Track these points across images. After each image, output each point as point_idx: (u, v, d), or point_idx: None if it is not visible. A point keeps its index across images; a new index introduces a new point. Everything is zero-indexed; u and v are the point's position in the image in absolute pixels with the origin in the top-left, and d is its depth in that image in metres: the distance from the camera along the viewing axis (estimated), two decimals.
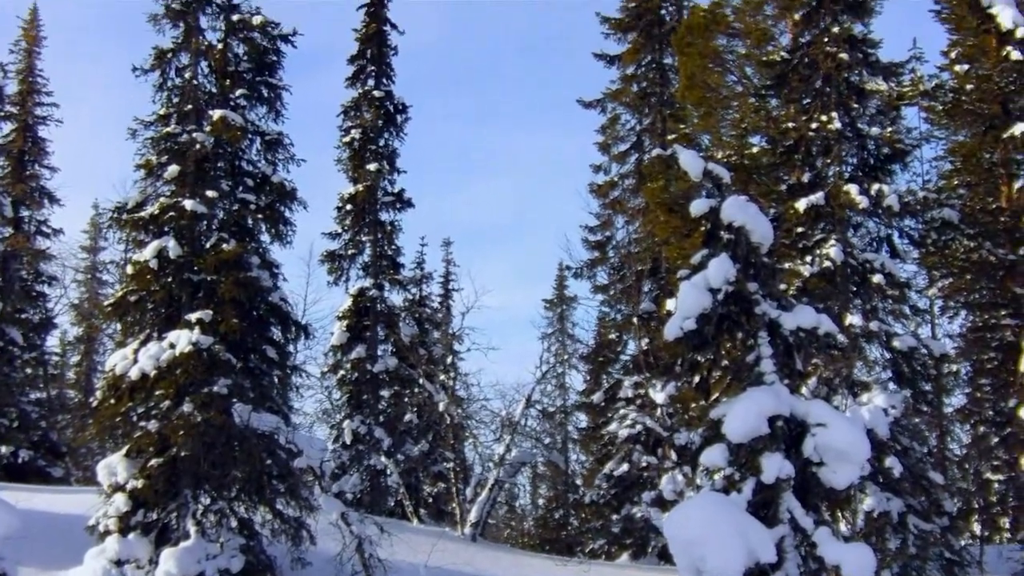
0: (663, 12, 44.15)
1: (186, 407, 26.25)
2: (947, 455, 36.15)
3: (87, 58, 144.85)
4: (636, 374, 40.32)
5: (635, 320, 41.12)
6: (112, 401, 27.78)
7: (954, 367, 35.16)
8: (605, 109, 44.53)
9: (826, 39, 30.03)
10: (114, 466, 27.31)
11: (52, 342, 59.59)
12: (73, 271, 67.21)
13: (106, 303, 31.06)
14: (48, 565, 27.11)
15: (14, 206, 49.30)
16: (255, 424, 26.49)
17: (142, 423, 27.61)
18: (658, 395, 38.00)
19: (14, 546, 21.53)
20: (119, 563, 26.37)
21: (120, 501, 26.70)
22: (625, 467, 38.84)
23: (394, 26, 46.90)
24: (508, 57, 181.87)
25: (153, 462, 26.75)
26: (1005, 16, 30.37)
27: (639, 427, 38.76)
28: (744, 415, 18.13)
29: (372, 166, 44.74)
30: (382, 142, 45.73)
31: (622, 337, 43.64)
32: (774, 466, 17.86)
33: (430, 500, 47.53)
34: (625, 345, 43.52)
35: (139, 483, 26.56)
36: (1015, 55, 30.50)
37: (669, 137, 38.90)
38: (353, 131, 45.81)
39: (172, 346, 26.74)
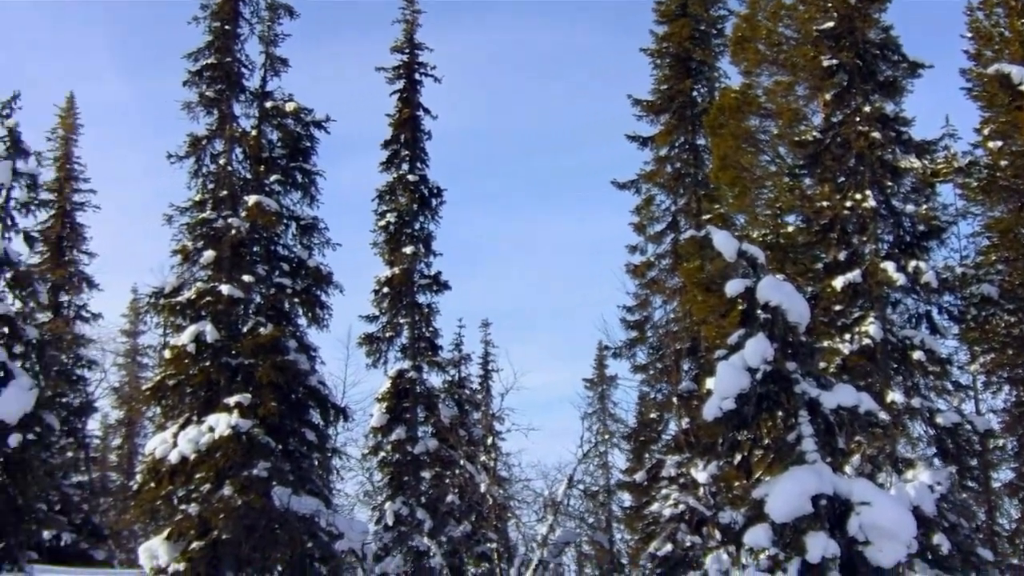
0: (695, 94, 44.37)
1: (226, 490, 26.31)
2: (996, 531, 35.70)
3: (124, 144, 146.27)
4: (678, 453, 40.04)
5: (675, 399, 40.91)
6: (152, 484, 27.94)
7: (1000, 442, 34.82)
8: (640, 190, 44.55)
9: (858, 118, 30.11)
10: (156, 549, 27.41)
11: (93, 426, 59.72)
12: (113, 355, 67.45)
13: (145, 387, 31.29)
14: None
15: (54, 291, 49.58)
16: (295, 507, 26.50)
17: (183, 506, 27.71)
18: (700, 474, 37.68)
19: None
20: None
21: None
22: (670, 547, 38.51)
23: (427, 111, 47.11)
24: (546, 140, 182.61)
25: (194, 545, 26.82)
26: None
27: (682, 507, 38.44)
28: (787, 495, 18.06)
29: (408, 249, 44.80)
30: (417, 225, 45.81)
31: (663, 416, 43.38)
32: (819, 545, 17.74)
33: None
34: (666, 424, 43.24)
35: (181, 566, 26.64)
36: None
37: (704, 217, 38.97)
38: (388, 215, 45.88)
39: (211, 430, 26.85)
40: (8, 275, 23.94)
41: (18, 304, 24.50)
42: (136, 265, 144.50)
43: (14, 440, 21.70)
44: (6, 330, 23.31)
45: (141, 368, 69.87)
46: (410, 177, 45.95)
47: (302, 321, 30.34)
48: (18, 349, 23.59)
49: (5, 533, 22.27)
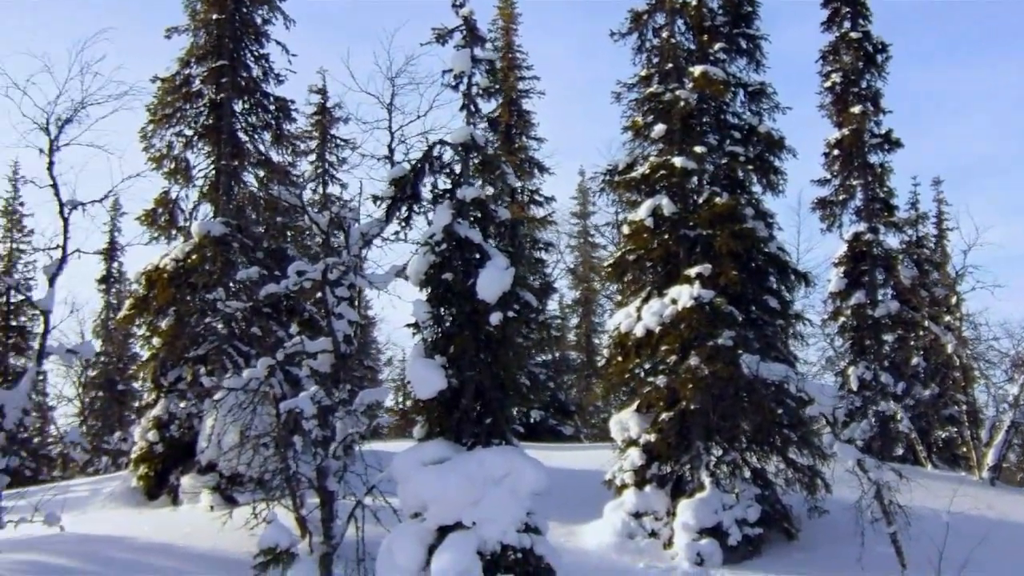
0: None
1: (692, 360, 26.68)
2: None
3: (551, 31, 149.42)
4: None
5: None
6: (619, 359, 28.69)
7: None
8: None
9: None
10: (626, 421, 28.24)
11: (552, 306, 61.71)
12: (567, 236, 69.36)
13: (605, 264, 32.00)
14: (569, 518, 28.31)
15: None
16: (764, 374, 26.57)
17: (649, 378, 28.31)
18: None
19: (542, 501, 22.59)
20: (637, 515, 27.27)
21: (634, 455, 27.60)
22: None
23: None
24: None
25: (663, 416, 27.42)
26: None
27: None
28: None
29: (856, 109, 44.00)
30: (864, 84, 44.87)
31: None
32: None
33: (941, 445, 46.43)
34: None
35: (651, 437, 27.33)
36: None
37: None
38: (833, 75, 45.22)
39: (674, 302, 27.25)
40: (476, 160, 24.79)
41: (488, 188, 25.35)
42: (575, 148, 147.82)
43: (495, 319, 22.52)
44: (479, 213, 24.16)
45: (593, 248, 71.52)
46: (853, 35, 45.07)
47: (756, 188, 30.19)
48: (491, 231, 24.48)
49: (491, 409, 23.30)
